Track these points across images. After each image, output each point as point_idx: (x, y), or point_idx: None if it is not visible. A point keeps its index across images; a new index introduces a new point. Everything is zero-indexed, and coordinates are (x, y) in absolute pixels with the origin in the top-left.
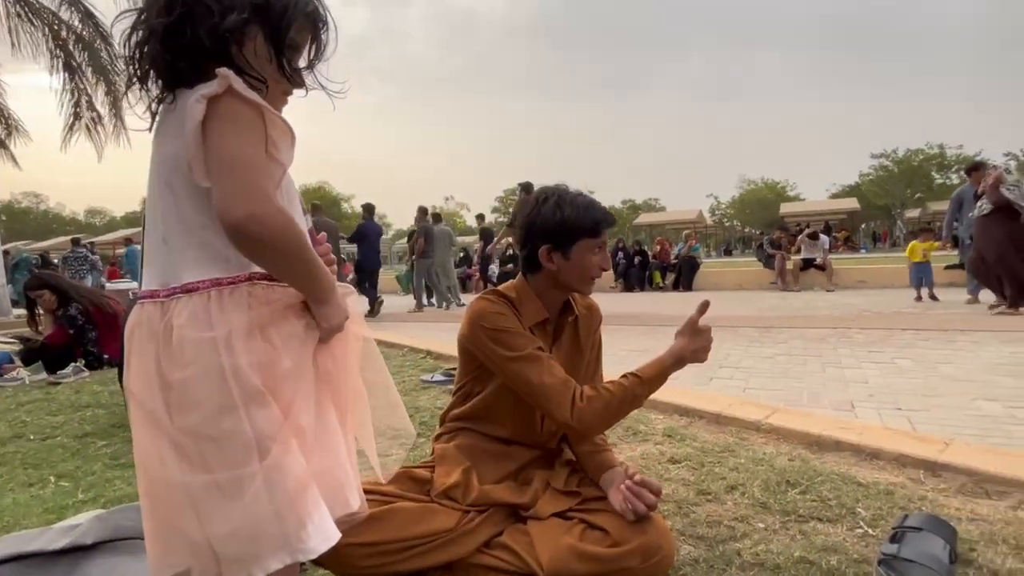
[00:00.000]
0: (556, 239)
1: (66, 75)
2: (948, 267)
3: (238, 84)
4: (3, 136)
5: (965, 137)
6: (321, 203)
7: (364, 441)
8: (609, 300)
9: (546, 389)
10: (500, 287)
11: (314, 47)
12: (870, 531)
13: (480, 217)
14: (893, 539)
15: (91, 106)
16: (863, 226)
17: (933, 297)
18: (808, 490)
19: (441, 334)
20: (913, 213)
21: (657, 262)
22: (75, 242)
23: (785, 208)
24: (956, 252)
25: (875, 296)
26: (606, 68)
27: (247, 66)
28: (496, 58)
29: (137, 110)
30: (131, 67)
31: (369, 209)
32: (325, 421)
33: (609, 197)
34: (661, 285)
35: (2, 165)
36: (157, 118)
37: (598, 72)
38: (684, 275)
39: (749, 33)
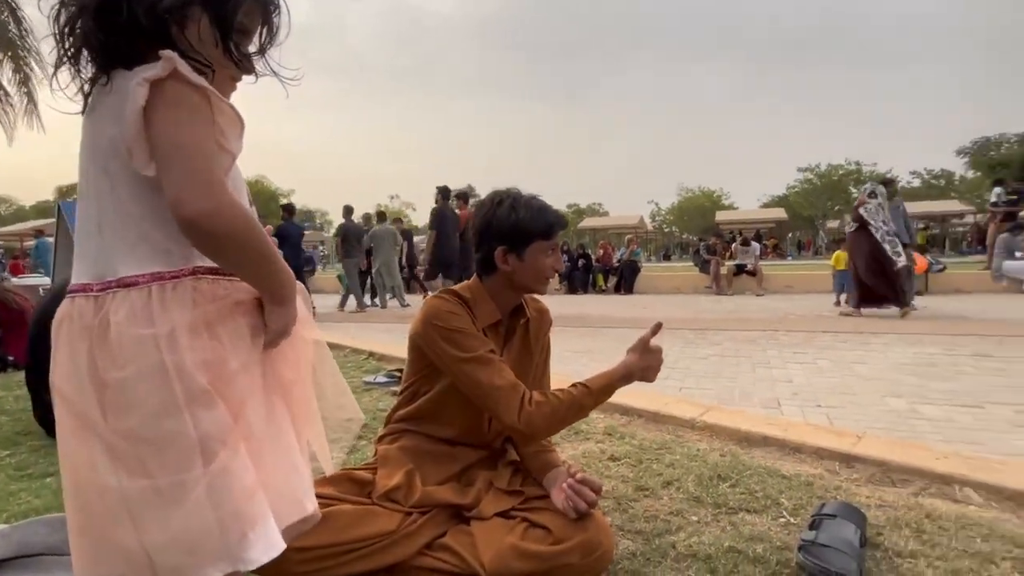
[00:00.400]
0: (511, 241)
1: None
2: None
3: (183, 67)
4: None
5: (879, 155)
6: (291, 205)
7: (316, 443)
8: (553, 302)
9: (495, 392)
10: (455, 287)
11: (265, 30)
12: (792, 520)
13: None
14: (812, 526)
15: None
16: (789, 235)
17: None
18: (738, 483)
19: (383, 335)
20: (833, 223)
21: (600, 265)
22: None
23: (720, 216)
24: None
25: (800, 300)
26: (554, 73)
27: (190, 49)
28: (442, 58)
29: (62, 91)
30: (61, 45)
31: (289, 209)
32: (277, 422)
33: (554, 200)
34: (604, 288)
35: None
36: (90, 100)
37: (546, 76)
38: (626, 278)
39: (690, 45)
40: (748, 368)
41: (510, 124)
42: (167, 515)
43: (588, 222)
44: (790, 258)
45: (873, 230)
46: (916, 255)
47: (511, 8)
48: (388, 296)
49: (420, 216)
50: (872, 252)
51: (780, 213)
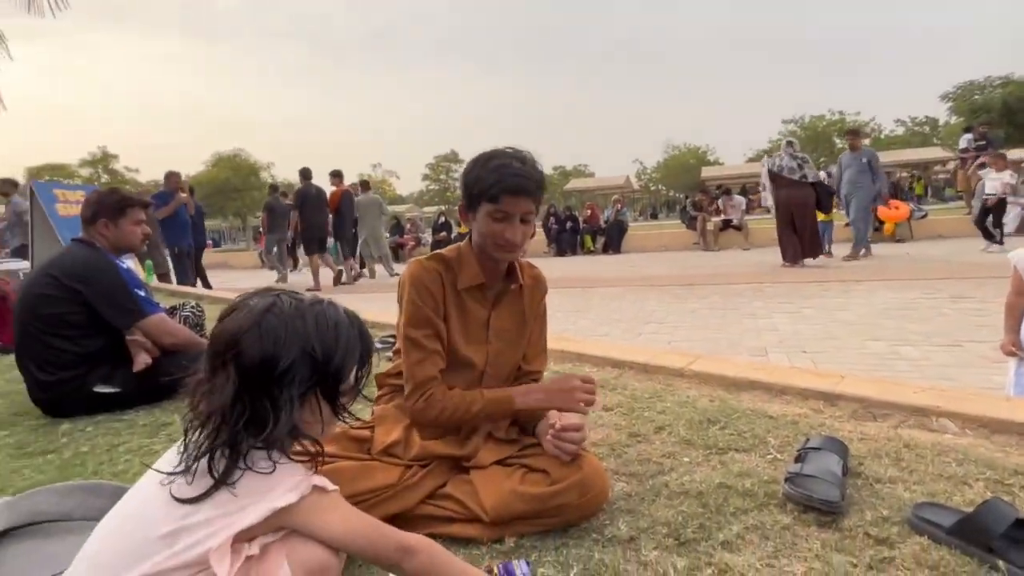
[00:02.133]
0: (467, 199)
1: None
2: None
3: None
4: None
5: (863, 104)
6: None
7: None
8: (541, 264)
9: (410, 373)
10: (443, 250)
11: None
12: (779, 456)
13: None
14: (797, 459)
15: None
16: None
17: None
18: (727, 426)
19: (375, 304)
20: (821, 174)
21: (588, 227)
22: None
23: (706, 172)
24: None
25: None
26: (534, 31)
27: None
28: (416, 20)
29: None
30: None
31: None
32: None
33: (540, 163)
34: (592, 249)
35: None
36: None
37: (527, 35)
38: (613, 238)
39: None
40: (735, 320)
41: (492, 87)
42: None
43: (574, 184)
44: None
45: (789, 181)
46: (898, 203)
47: None
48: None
49: (405, 185)
50: (792, 207)
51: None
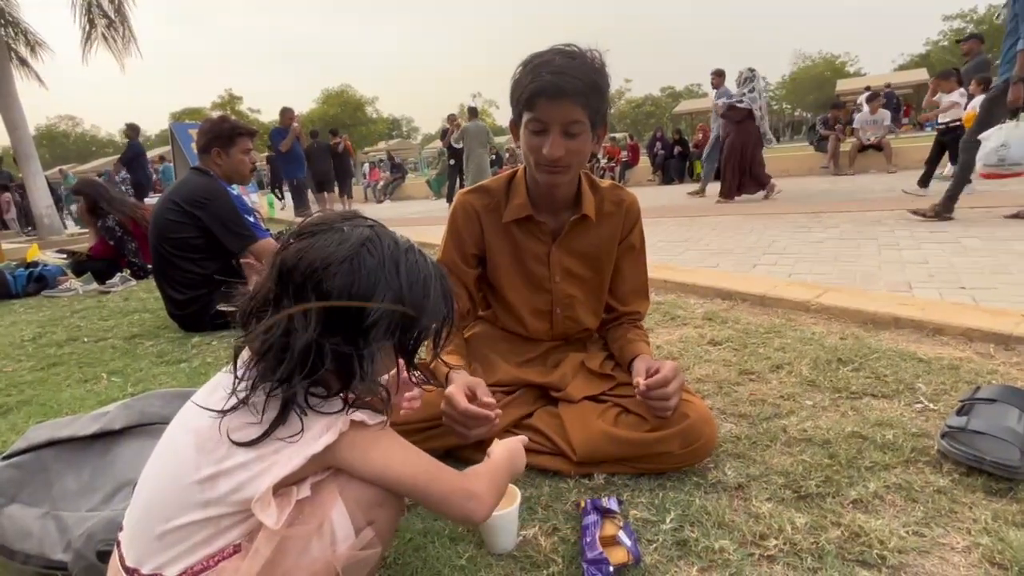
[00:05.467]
0: (513, 111)
1: None
2: None
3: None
4: (26, 54)
5: None
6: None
7: None
8: (646, 193)
9: None
10: (494, 177)
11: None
12: (931, 406)
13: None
14: (960, 412)
15: (103, 12)
16: None
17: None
18: (862, 367)
19: None
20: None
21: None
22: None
23: (842, 85)
24: None
25: (942, 175)
26: None
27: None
28: None
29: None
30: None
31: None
32: None
33: (647, 85)
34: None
35: (34, 90)
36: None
37: None
38: None
39: None
40: (872, 251)
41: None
42: None
43: (684, 105)
44: (929, 128)
45: (758, 121)
46: None
47: None
48: None
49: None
50: (751, 145)
51: (920, 75)
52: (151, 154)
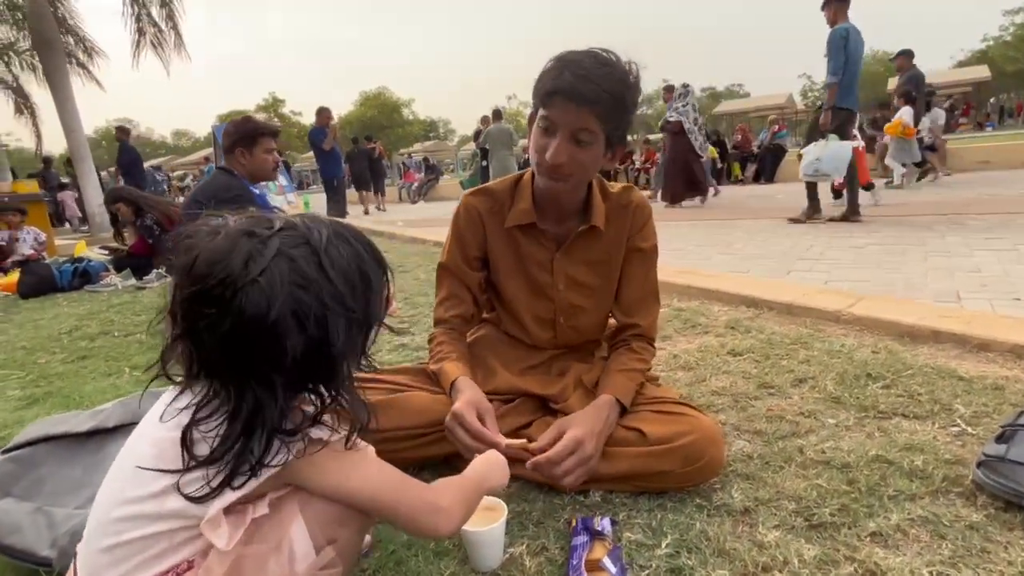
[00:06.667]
0: (533, 100)
1: None
2: None
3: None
4: (84, 59)
5: None
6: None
7: None
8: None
9: (438, 291)
10: (499, 180)
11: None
12: (969, 429)
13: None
14: (1001, 439)
15: (151, 21)
16: (992, 99)
17: None
18: (893, 384)
19: None
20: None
21: (737, 152)
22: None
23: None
24: None
25: (1000, 178)
26: None
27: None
28: None
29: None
30: None
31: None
32: None
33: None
34: (740, 178)
35: (91, 93)
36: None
37: None
38: (766, 165)
39: None
40: (918, 257)
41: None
42: None
43: (725, 106)
44: (990, 129)
45: (688, 133)
46: None
47: None
48: None
49: None
50: (684, 155)
51: (980, 72)
52: (198, 156)
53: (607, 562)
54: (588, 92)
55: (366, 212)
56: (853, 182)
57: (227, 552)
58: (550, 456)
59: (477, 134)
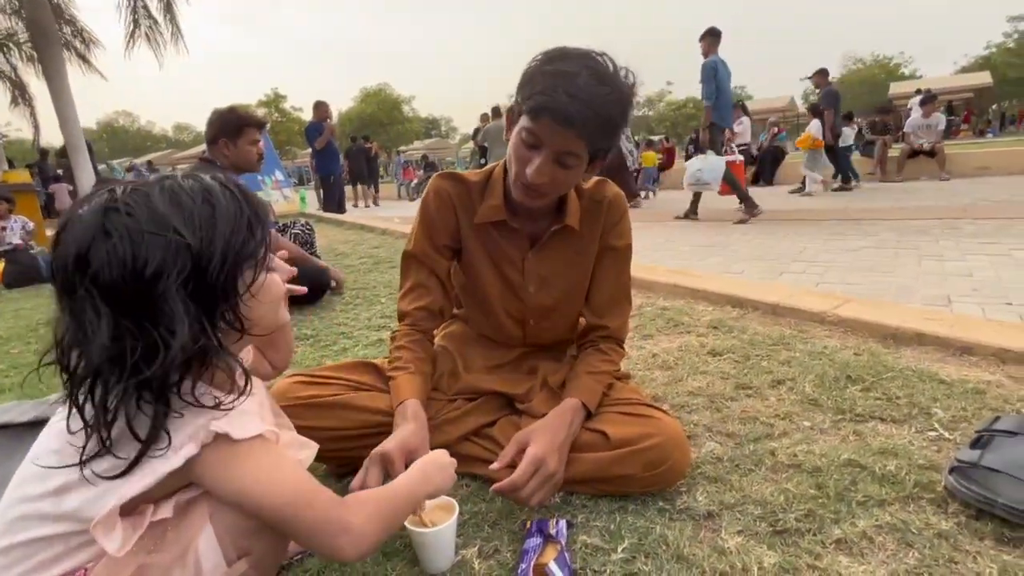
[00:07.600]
0: (517, 96)
1: None
2: None
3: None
4: (82, 50)
5: None
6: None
7: None
8: (676, 197)
9: (403, 281)
10: (473, 170)
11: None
12: (946, 434)
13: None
14: (976, 444)
15: (147, 14)
16: (994, 106)
17: None
18: (873, 387)
19: None
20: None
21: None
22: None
23: (895, 88)
24: None
25: (999, 183)
26: None
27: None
28: None
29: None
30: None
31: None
32: None
33: (690, 89)
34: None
35: (94, 86)
36: None
37: None
38: (766, 168)
39: None
40: (912, 261)
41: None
42: None
43: None
44: (991, 135)
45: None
46: None
47: None
48: None
49: None
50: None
51: (982, 78)
52: (197, 149)
53: (553, 567)
54: (578, 117)
55: (355, 206)
56: (737, 187)
57: (123, 560)
58: (514, 480)
59: (476, 132)
